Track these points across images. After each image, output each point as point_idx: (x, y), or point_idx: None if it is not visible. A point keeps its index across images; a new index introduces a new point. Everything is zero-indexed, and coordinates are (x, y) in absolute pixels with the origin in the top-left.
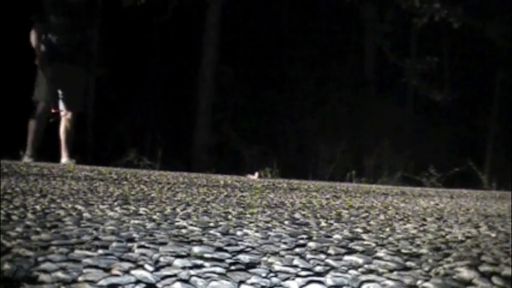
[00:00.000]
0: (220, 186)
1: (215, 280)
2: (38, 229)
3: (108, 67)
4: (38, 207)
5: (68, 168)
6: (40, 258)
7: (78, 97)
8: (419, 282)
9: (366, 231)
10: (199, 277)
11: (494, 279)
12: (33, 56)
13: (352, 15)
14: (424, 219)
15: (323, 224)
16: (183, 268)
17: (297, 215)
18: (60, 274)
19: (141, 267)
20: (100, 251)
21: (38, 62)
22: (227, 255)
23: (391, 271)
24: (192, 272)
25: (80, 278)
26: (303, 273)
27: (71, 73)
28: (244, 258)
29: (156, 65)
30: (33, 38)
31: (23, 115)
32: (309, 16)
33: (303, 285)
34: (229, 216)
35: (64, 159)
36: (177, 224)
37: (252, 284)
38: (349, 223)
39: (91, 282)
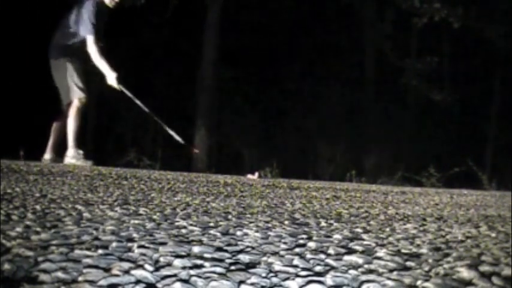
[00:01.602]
0: (220, 186)
1: (215, 280)
2: (38, 229)
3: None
4: (38, 207)
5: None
6: (40, 258)
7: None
8: (419, 282)
9: (366, 231)
10: (199, 277)
11: (494, 279)
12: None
13: (352, 15)
14: (424, 219)
15: (323, 224)
16: (183, 268)
17: (297, 215)
18: (60, 274)
19: (141, 267)
20: (100, 251)
21: (117, 80)
22: (227, 255)
23: (391, 271)
24: (192, 272)
25: (80, 278)
26: (303, 273)
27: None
28: (244, 258)
29: (155, 65)
30: (99, 55)
31: (22, 115)
32: (309, 16)
33: (303, 285)
34: (229, 216)
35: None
36: (177, 224)
37: (252, 284)
38: (349, 223)
39: (91, 282)
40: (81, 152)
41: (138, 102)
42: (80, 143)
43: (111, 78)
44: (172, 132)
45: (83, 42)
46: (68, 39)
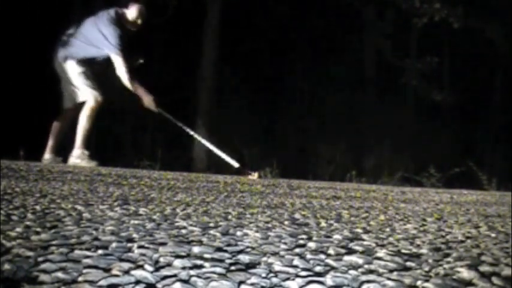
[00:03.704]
0: (220, 186)
1: (215, 280)
2: (38, 229)
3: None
4: (38, 207)
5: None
6: (40, 258)
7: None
8: (419, 282)
9: (366, 232)
10: (199, 277)
11: (494, 279)
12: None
13: (352, 15)
14: (424, 219)
15: (323, 224)
16: (183, 268)
17: (296, 215)
18: (60, 274)
19: (141, 267)
20: (100, 251)
21: (155, 103)
22: (227, 255)
23: (391, 271)
24: (192, 272)
25: (80, 278)
26: (303, 273)
27: None
28: (244, 258)
29: (155, 65)
30: (134, 83)
31: (22, 115)
32: (309, 16)
33: (303, 286)
34: (229, 216)
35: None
36: (177, 224)
37: (252, 284)
38: (349, 223)
39: (91, 282)
40: (86, 152)
41: (179, 123)
42: (87, 144)
43: (149, 101)
44: (224, 155)
45: (107, 59)
46: (83, 49)
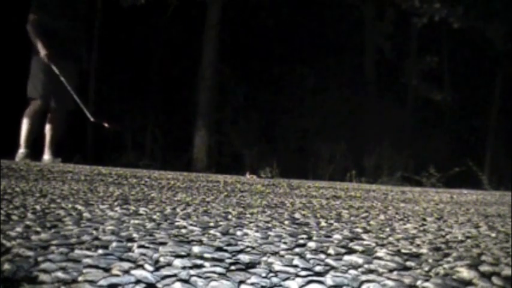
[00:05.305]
0: (220, 186)
1: (215, 280)
2: (38, 229)
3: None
4: (38, 207)
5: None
6: (40, 258)
7: (70, 95)
8: (419, 282)
9: (366, 231)
10: (199, 277)
11: (494, 279)
12: (29, 52)
13: (352, 15)
14: (424, 219)
15: (323, 223)
16: (183, 268)
17: (296, 215)
18: (60, 274)
19: (141, 267)
20: (100, 251)
21: (46, 56)
22: (227, 255)
23: (391, 271)
24: (192, 272)
25: (80, 278)
26: (303, 273)
27: (64, 70)
28: (244, 258)
29: (156, 65)
30: (32, 33)
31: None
32: (309, 16)
33: (303, 285)
34: (229, 216)
35: (47, 156)
36: (177, 224)
37: (252, 284)
38: (349, 223)
39: (91, 282)
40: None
41: (62, 78)
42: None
43: (43, 53)
44: (85, 110)
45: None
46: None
